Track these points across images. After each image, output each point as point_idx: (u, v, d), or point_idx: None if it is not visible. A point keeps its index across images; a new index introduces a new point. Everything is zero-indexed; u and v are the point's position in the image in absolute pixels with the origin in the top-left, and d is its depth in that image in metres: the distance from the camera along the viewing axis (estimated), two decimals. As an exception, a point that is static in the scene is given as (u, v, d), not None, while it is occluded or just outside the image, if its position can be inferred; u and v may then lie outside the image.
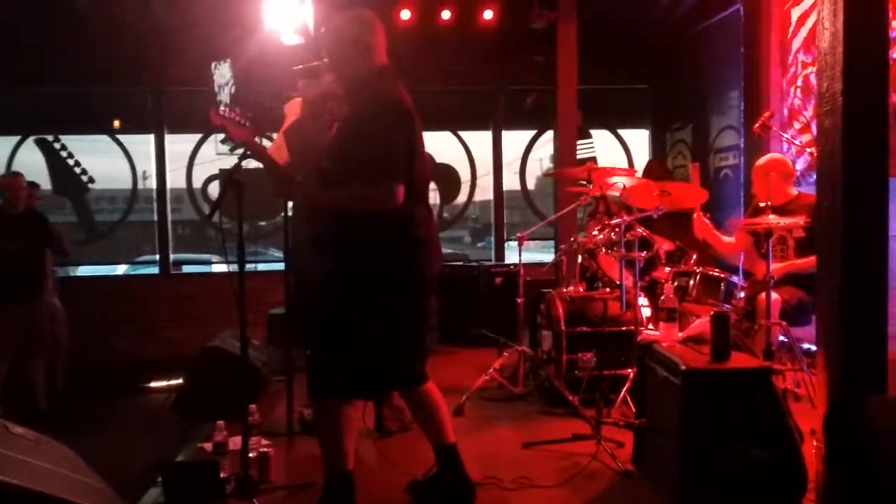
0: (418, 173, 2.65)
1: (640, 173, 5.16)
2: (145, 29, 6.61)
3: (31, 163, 7.53)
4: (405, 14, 6.58)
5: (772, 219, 3.74)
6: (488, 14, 6.89)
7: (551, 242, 7.68)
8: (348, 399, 2.66)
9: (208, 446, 3.40)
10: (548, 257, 7.70)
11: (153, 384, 6.08)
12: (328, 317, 2.66)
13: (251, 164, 2.86)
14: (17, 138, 7.54)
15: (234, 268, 2.75)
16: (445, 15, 6.80)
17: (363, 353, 2.61)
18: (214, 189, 7.77)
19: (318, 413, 2.75)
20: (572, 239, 4.66)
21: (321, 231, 2.76)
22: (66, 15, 6.50)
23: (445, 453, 2.78)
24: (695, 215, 4.36)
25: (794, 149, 5.23)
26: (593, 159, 7.65)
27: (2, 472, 2.13)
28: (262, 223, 7.81)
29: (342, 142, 2.68)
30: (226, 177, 2.78)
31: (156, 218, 7.71)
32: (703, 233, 4.39)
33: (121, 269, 9.23)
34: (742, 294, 3.95)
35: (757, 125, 4.47)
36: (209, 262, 8.77)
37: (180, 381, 4.63)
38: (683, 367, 2.66)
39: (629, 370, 3.90)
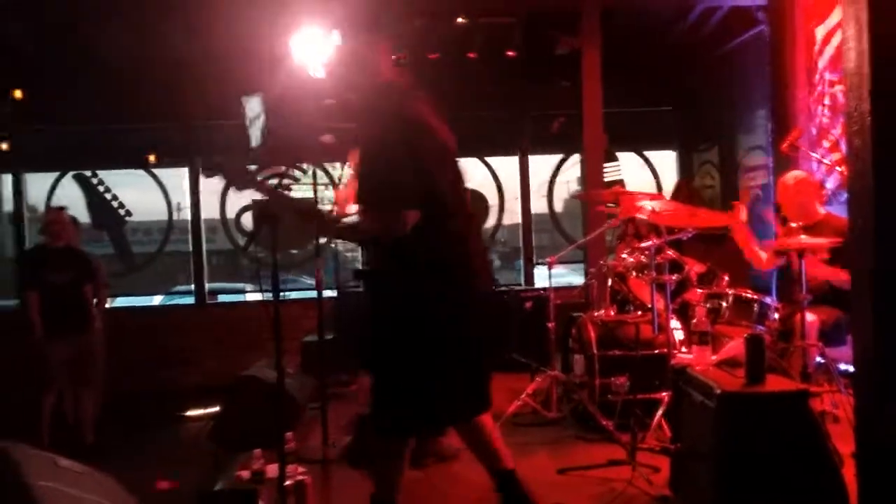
0: (443, 186, 2.53)
1: (668, 195, 5.15)
2: (178, 65, 6.79)
3: (71, 198, 7.75)
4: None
5: (804, 239, 3.71)
6: (513, 41, 6.96)
7: (580, 265, 7.66)
8: (411, 436, 2.68)
9: (246, 474, 3.43)
10: (576, 280, 7.66)
11: (190, 413, 6.14)
12: (382, 354, 2.63)
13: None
14: (56, 174, 7.78)
15: (268, 296, 2.80)
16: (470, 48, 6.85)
17: (424, 389, 2.55)
18: (248, 219, 7.90)
19: (379, 448, 2.71)
20: (602, 262, 4.65)
21: (361, 267, 2.79)
22: (102, 56, 6.70)
23: (506, 479, 2.69)
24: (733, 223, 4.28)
25: (824, 167, 5.18)
26: (621, 182, 7.64)
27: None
28: (294, 252, 7.91)
29: (359, 168, 2.63)
30: (261, 209, 2.84)
31: (191, 248, 7.86)
32: (742, 239, 4.32)
33: (157, 300, 9.38)
34: (777, 315, 3.90)
35: (785, 144, 4.44)
36: (243, 291, 8.91)
37: (217, 409, 4.69)
38: (718, 391, 2.65)
39: (663, 394, 3.87)
